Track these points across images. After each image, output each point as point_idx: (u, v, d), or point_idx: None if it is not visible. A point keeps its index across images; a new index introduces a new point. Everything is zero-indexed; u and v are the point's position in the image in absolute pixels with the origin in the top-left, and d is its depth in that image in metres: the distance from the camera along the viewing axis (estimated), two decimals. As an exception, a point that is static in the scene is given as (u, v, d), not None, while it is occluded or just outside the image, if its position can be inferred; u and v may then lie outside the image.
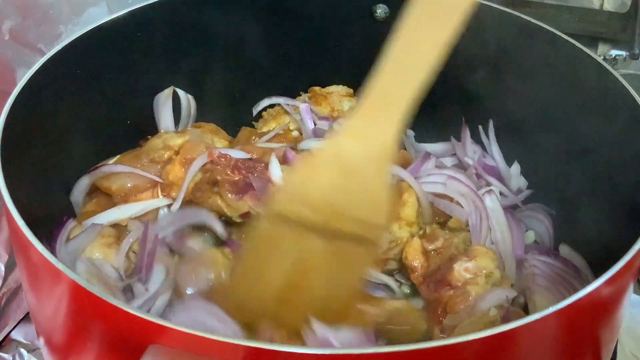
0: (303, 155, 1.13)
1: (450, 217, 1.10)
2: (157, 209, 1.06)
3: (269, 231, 0.90)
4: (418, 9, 0.82)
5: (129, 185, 1.06)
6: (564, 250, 1.07)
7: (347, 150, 0.87)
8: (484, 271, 0.98)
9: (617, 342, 1.07)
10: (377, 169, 0.88)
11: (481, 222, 1.09)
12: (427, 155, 1.19)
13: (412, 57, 0.83)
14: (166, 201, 1.06)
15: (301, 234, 0.88)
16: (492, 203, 1.11)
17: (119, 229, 1.04)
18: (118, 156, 1.13)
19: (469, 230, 1.10)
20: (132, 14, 1.13)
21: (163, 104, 1.23)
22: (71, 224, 1.02)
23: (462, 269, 0.98)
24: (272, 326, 0.86)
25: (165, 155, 1.13)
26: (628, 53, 1.56)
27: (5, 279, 1.15)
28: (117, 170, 1.07)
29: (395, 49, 0.82)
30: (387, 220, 0.92)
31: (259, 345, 0.64)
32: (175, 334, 0.65)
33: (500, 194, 1.17)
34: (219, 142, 1.21)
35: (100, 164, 1.09)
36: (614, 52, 1.63)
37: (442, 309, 0.96)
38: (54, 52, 1.01)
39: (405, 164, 1.16)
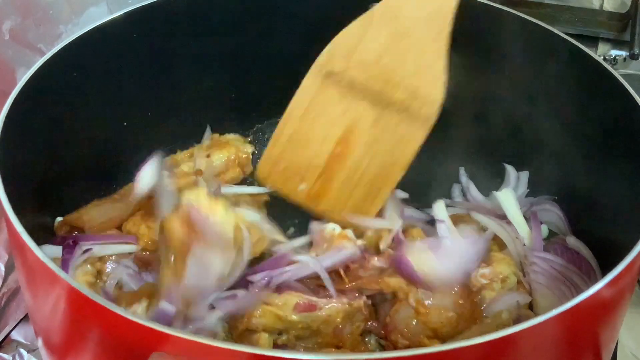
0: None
1: None
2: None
3: (319, 92, 0.87)
4: None
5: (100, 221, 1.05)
6: (571, 241, 1.06)
7: (403, 10, 0.84)
8: (500, 276, 0.98)
9: (617, 342, 1.07)
10: (433, 32, 0.84)
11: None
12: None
13: None
14: (135, 248, 1.03)
15: (352, 100, 0.86)
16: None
17: (98, 270, 1.01)
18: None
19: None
20: (132, 14, 1.13)
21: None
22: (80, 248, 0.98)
23: (479, 275, 0.98)
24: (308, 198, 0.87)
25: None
26: (628, 53, 1.56)
27: (5, 279, 1.15)
28: (86, 242, 1.01)
29: None
30: (442, 94, 0.87)
31: (261, 352, 0.63)
32: (178, 341, 0.64)
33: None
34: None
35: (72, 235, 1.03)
36: (614, 52, 1.63)
37: None
38: (54, 52, 1.01)
39: None
